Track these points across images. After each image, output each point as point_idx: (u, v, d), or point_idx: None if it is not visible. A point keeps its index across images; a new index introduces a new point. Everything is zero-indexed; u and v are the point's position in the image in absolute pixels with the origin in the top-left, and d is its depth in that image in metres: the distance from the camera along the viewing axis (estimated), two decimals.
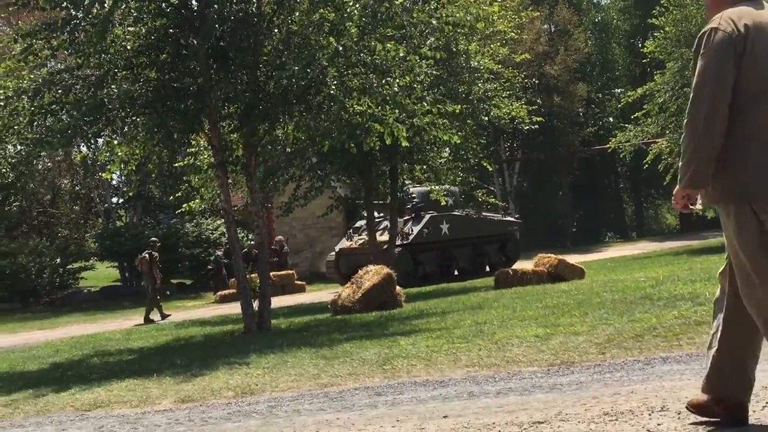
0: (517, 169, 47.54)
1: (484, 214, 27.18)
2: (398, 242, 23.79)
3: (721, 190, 4.16)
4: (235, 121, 14.27)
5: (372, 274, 15.97)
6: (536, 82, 42.14)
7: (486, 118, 21.57)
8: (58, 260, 32.34)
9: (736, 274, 4.20)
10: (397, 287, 16.16)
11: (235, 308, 19.14)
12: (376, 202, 23.28)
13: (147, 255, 21.22)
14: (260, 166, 16.54)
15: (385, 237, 23.78)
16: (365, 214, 22.72)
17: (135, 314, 23.57)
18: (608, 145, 33.85)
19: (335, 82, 13.07)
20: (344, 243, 26.26)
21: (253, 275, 16.41)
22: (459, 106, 16.40)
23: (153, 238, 23.03)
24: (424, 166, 21.52)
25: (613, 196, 54.88)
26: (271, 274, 19.24)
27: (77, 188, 38.60)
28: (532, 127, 23.65)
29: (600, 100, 51.17)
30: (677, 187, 4.18)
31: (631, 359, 7.12)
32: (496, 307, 12.57)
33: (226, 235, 20.78)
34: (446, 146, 20.06)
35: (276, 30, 13.74)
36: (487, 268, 26.93)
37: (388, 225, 23.88)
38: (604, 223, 54.37)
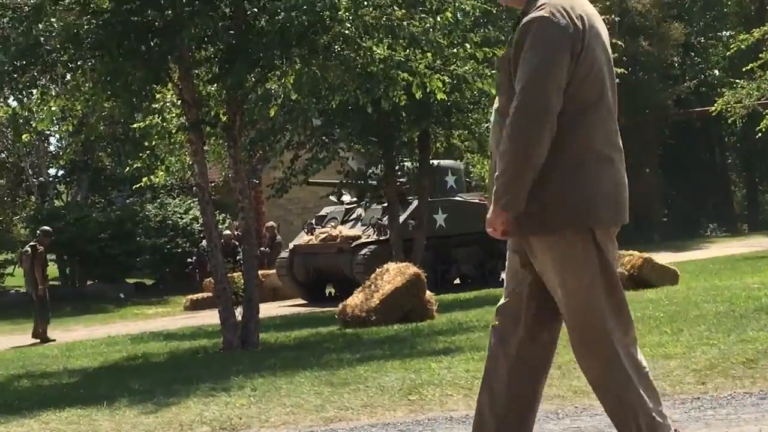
0: None
1: None
2: (370, 238, 23.58)
3: (554, 215, 4.48)
4: (214, 69, 14.28)
5: (393, 275, 15.98)
6: (616, 19, 41.97)
7: None
8: None
9: (567, 313, 4.63)
10: (428, 292, 16.18)
11: (210, 317, 19.20)
12: (400, 180, 23.27)
13: (29, 249, 20.99)
14: (247, 130, 16.60)
15: (356, 231, 23.73)
16: (384, 196, 22.68)
17: (78, 324, 23.70)
18: (712, 107, 33.69)
19: (350, 17, 13.05)
20: (303, 237, 25.44)
21: (235, 274, 16.46)
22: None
23: (44, 227, 23.07)
24: (465, 132, 21.50)
25: (717, 175, 54.68)
26: (260, 272, 19.27)
27: (3, 155, 38.79)
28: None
29: (702, 46, 50.98)
30: (492, 210, 4.50)
31: (741, 392, 7.11)
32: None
33: (200, 220, 20.83)
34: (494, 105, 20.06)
35: None
36: (503, 276, 26.60)
37: (362, 214, 23.82)
38: (704, 212, 54.18)
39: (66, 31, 12.98)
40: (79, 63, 13.79)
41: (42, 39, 12.93)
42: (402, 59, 13.58)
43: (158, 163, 18.06)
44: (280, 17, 13.15)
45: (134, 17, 13.53)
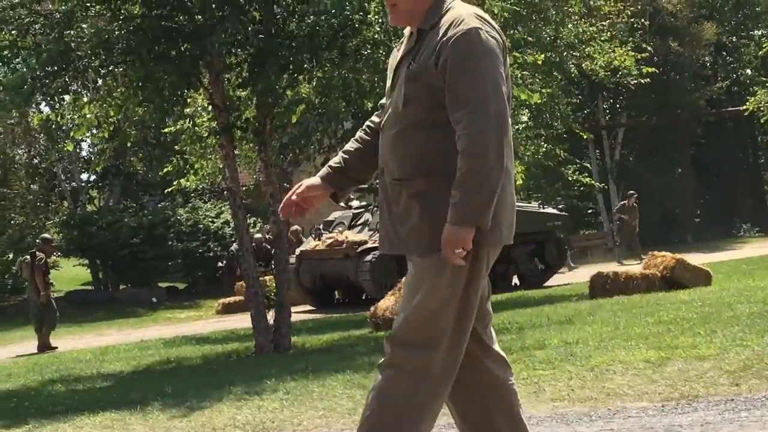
0: (620, 139, 47.22)
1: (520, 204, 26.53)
2: (376, 243, 23.39)
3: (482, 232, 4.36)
4: (244, 73, 14.32)
5: None
6: (645, 23, 41.80)
7: (576, 72, 21.42)
8: (11, 255, 32.72)
9: (426, 332, 4.42)
10: None
11: (242, 321, 19.25)
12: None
13: (29, 257, 20.96)
14: (278, 133, 16.62)
15: (363, 236, 23.61)
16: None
17: (111, 328, 23.82)
18: (744, 107, 33.56)
19: (379, 20, 13.06)
20: (309, 243, 25.42)
21: (266, 277, 16.50)
22: (541, 54, 16.31)
23: (44, 235, 23.13)
24: None
25: (750, 175, 54.36)
26: None
27: (36, 161, 39.02)
28: (642, 80, 23.49)
29: (734, 46, 50.69)
30: (460, 229, 4.28)
31: None
32: (591, 323, 12.51)
33: (232, 224, 20.89)
34: (524, 107, 20.02)
35: None
36: (515, 281, 26.25)
37: (369, 219, 23.69)
38: (738, 211, 53.84)
39: (97, 37, 13.04)
40: (110, 68, 13.86)
41: (73, 45, 13.00)
42: None
43: (189, 168, 18.14)
44: (309, 21, 13.20)
45: (165, 22, 13.59)
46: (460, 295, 4.43)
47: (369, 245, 23.16)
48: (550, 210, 27.54)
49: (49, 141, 34.99)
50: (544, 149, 23.10)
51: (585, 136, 24.99)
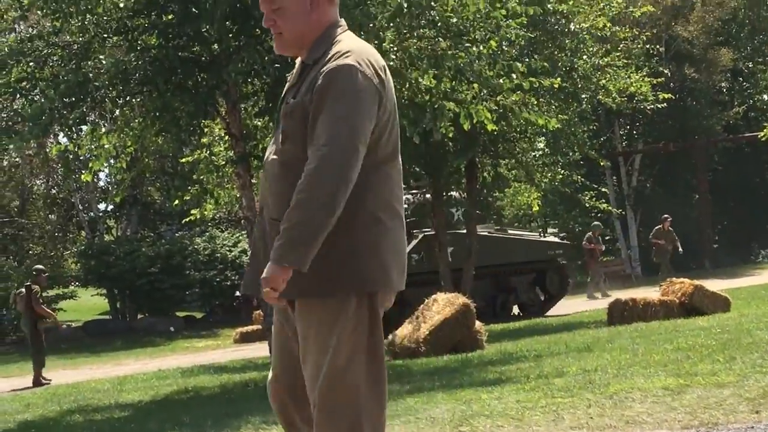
0: (637, 165, 47.19)
1: (511, 232, 25.88)
2: None
3: (341, 275, 4.19)
4: (261, 102, 14.37)
5: (442, 305, 15.96)
6: (661, 49, 41.86)
7: (593, 96, 21.39)
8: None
9: (321, 380, 4.22)
10: (477, 323, 16.15)
11: (260, 350, 19.25)
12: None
13: (24, 290, 20.85)
14: None
15: None
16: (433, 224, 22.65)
17: (129, 357, 23.85)
18: (762, 132, 33.47)
19: (394, 48, 13.10)
20: None
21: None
22: (558, 79, 16.32)
23: (37, 266, 23.15)
24: (512, 161, 21.51)
25: None
26: None
27: (53, 191, 39.21)
28: (658, 106, 23.47)
29: (750, 72, 50.61)
30: (272, 266, 4.08)
31: None
32: (610, 350, 12.48)
33: (249, 253, 20.90)
34: (541, 134, 20.03)
35: None
36: (516, 311, 25.97)
37: None
38: (756, 237, 53.66)
39: (114, 68, 13.11)
40: (127, 99, 13.94)
41: (91, 76, 13.08)
42: (448, 89, 13.61)
43: (206, 197, 18.19)
44: None
45: (181, 53, 13.67)
46: (365, 344, 4.24)
47: None
48: (551, 238, 27.24)
49: (66, 172, 35.13)
50: (561, 176, 23.07)
51: (602, 163, 24.93)
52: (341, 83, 4.14)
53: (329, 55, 4.25)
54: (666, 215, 31.03)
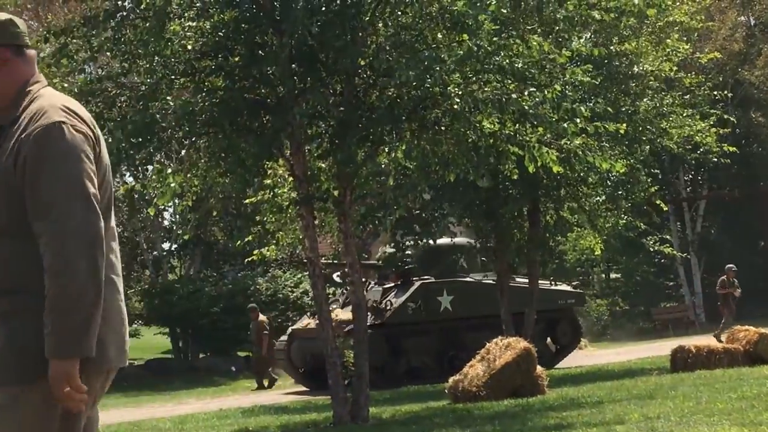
0: (701, 211, 46.83)
1: (519, 280, 24.43)
2: (369, 321, 21.39)
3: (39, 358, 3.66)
4: (325, 144, 14.46)
5: (504, 349, 15.92)
6: (728, 95, 41.56)
7: (655, 141, 21.23)
8: None
9: None
10: (539, 368, 16.07)
11: (321, 391, 19.25)
12: (367, 261, 22.52)
13: None
14: (357, 204, 16.73)
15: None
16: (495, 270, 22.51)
17: (190, 396, 23.97)
18: None
19: (458, 92, 13.13)
20: (303, 321, 24.33)
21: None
22: (623, 124, 16.25)
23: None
24: (575, 205, 21.42)
25: None
26: None
27: (119, 230, 39.59)
28: (723, 161, 23.30)
29: None
30: (57, 362, 3.61)
31: None
32: (673, 397, 12.37)
33: (311, 294, 20.96)
34: (605, 178, 19.93)
35: (381, 24, 13.87)
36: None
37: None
38: None
39: (181, 109, 13.25)
40: (193, 140, 14.08)
41: (158, 117, 13.22)
42: (511, 133, 13.61)
43: (269, 238, 18.28)
44: (390, 93, 13.31)
45: (247, 95, 13.80)
46: None
47: None
48: (563, 287, 26.02)
49: (131, 210, 35.50)
50: (624, 220, 22.92)
51: (665, 208, 24.73)
52: (56, 143, 3.74)
53: (31, 115, 3.84)
54: (731, 265, 30.68)
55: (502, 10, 13.28)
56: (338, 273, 23.93)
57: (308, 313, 24.24)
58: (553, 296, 25.15)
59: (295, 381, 24.78)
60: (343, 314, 22.07)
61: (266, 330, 26.45)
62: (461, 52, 12.77)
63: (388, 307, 22.42)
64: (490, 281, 23.69)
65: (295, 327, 24.35)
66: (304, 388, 23.98)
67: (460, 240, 24.38)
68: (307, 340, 22.92)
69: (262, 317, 26.93)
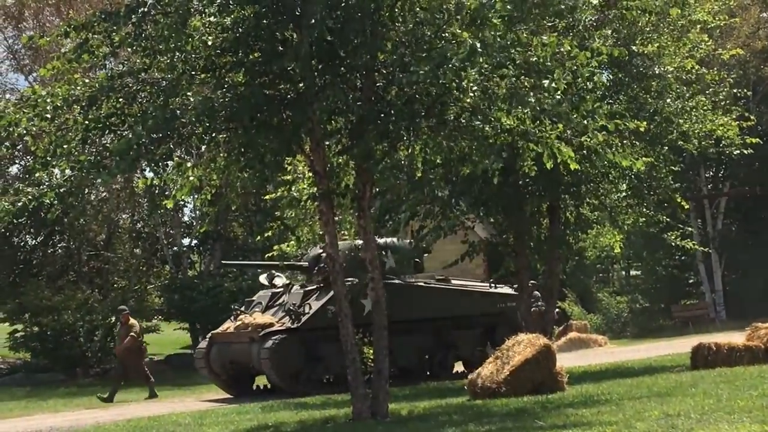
0: (722, 208, 46.61)
1: (455, 282, 23.93)
2: (283, 326, 21.20)
3: None
4: (344, 140, 14.47)
5: (523, 346, 15.92)
6: (748, 93, 41.37)
7: (675, 141, 21.14)
8: (113, 319, 33.18)
9: None
10: (558, 364, 16.05)
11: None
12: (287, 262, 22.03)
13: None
14: (376, 200, 16.74)
15: (272, 318, 21.62)
16: (515, 268, 22.33)
17: (210, 391, 23.98)
18: None
19: (475, 88, 13.11)
20: (225, 325, 22.95)
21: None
22: (644, 122, 16.18)
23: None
24: (595, 202, 21.37)
25: None
26: None
27: (139, 225, 39.66)
28: (744, 151, 23.19)
29: None
30: None
31: None
32: (693, 395, 12.33)
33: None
34: (626, 176, 19.87)
35: (400, 21, 13.86)
36: (460, 367, 23.56)
37: (286, 299, 21.93)
38: None
39: (201, 105, 13.27)
40: (213, 135, 14.07)
41: (178, 112, 13.25)
42: (530, 129, 13.59)
43: (288, 233, 18.27)
44: (407, 90, 13.30)
45: (267, 90, 13.81)
46: None
47: (275, 328, 21.13)
48: (503, 290, 24.41)
49: (151, 205, 35.49)
50: (644, 218, 22.86)
51: (686, 206, 24.58)
52: None
53: None
54: None
55: (507, 6, 13.25)
56: (266, 274, 23.26)
57: (231, 316, 22.98)
58: (491, 300, 24.08)
59: (220, 388, 23.36)
60: (261, 318, 21.55)
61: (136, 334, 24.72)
62: (467, 49, 12.64)
63: (306, 311, 21.21)
64: (422, 283, 23.11)
65: (215, 331, 23.02)
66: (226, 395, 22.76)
67: (392, 240, 23.07)
68: (225, 345, 22.12)
69: (132, 321, 24.83)
